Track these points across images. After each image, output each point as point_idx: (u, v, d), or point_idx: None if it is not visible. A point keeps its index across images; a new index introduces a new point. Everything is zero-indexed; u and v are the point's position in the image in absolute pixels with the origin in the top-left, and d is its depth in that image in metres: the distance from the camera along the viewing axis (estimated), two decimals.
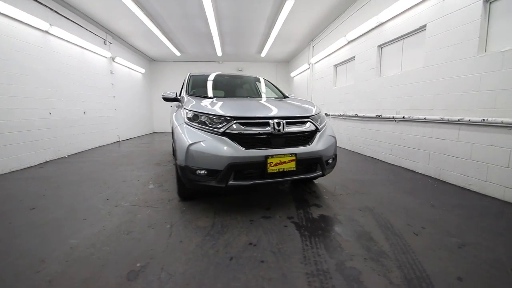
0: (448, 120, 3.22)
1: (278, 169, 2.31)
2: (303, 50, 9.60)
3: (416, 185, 3.26)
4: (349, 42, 5.83)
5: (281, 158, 2.30)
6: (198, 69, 11.61)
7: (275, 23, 6.63)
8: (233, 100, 2.95)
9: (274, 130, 2.33)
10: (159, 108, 11.78)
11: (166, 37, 7.69)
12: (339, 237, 1.98)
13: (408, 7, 3.88)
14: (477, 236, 1.97)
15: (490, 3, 2.78)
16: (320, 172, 2.58)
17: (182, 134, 2.39)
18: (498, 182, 2.71)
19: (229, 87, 3.84)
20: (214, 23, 6.46)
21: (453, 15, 3.15)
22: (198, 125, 2.39)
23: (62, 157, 5.32)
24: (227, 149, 2.22)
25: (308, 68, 8.79)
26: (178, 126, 2.52)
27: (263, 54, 10.07)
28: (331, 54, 6.83)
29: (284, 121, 2.40)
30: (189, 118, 2.47)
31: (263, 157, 2.25)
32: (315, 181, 3.42)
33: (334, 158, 2.74)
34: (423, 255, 1.73)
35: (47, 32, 4.93)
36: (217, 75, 4.01)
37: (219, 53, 9.72)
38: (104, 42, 7.22)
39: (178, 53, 9.69)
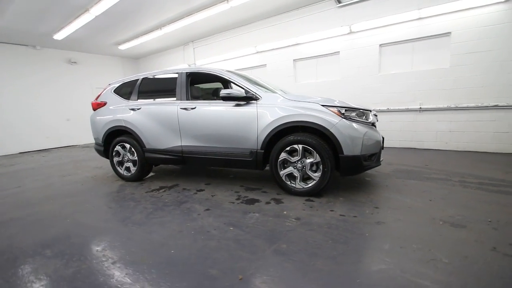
0: None
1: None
2: (172, 50, 9.19)
3: None
4: (258, 52, 6.95)
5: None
6: None
7: (181, 19, 6.17)
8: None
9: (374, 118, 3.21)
10: None
11: None
12: (436, 180, 3.35)
13: (325, 37, 5.80)
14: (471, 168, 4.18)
15: (381, 46, 5.28)
16: None
17: (350, 128, 2.57)
18: (397, 139, 5.35)
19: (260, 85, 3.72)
20: None
21: (361, 49, 5.43)
22: (355, 119, 2.68)
23: None
24: (378, 135, 2.83)
25: None
26: (338, 123, 2.57)
27: (123, 47, 8.32)
28: (233, 59, 7.53)
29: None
30: (343, 114, 2.64)
31: (381, 137, 3.07)
32: None
33: None
34: (493, 173, 3.57)
35: None
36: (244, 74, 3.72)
37: (62, 36, 6.73)
38: None
39: None
